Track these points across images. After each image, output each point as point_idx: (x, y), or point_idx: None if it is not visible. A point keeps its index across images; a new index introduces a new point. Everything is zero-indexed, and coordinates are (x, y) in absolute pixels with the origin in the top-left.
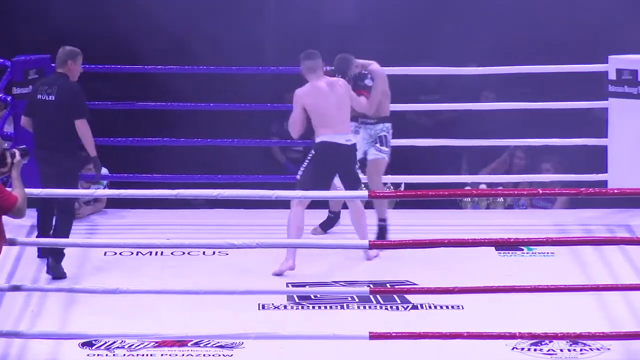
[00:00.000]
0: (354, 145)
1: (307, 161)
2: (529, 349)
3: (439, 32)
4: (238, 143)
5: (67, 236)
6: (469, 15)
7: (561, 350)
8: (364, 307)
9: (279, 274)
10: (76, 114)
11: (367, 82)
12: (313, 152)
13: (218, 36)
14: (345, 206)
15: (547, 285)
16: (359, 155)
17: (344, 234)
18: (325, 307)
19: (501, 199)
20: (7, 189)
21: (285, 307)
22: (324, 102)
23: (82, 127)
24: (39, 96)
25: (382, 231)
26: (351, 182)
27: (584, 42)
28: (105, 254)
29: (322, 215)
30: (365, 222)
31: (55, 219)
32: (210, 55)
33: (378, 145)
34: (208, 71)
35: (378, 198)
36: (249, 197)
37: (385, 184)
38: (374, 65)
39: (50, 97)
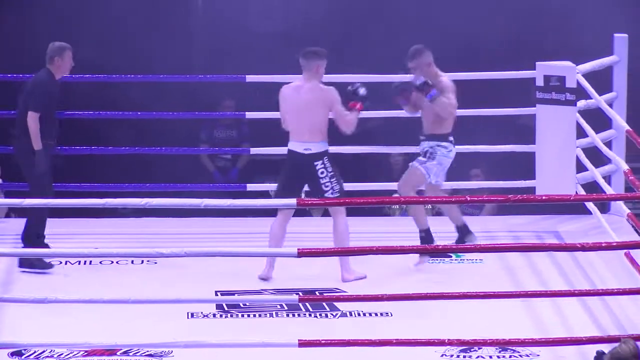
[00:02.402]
0: (314, 155)
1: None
2: (458, 356)
3: (367, 39)
4: (166, 151)
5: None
6: (398, 22)
7: (490, 357)
8: (293, 315)
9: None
10: (29, 105)
11: (361, 91)
12: None
13: (145, 44)
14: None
15: (476, 292)
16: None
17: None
18: (255, 316)
19: (429, 206)
20: None
21: (214, 315)
22: (286, 107)
23: (30, 119)
24: None
25: (462, 235)
26: (316, 194)
27: (512, 49)
28: None
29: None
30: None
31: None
32: (138, 64)
33: (420, 157)
34: (136, 80)
35: (305, 206)
36: (178, 205)
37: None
38: (444, 78)
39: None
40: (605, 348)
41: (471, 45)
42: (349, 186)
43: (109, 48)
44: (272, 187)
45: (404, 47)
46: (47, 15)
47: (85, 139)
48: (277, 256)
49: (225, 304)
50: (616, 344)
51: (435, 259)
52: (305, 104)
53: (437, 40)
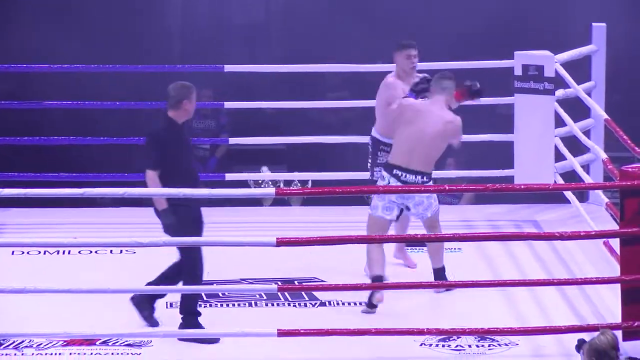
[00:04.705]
0: None
1: None
2: (437, 345)
3: (345, 29)
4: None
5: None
6: (379, 13)
7: (469, 346)
8: (272, 305)
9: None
10: (145, 163)
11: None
12: None
13: (123, 34)
14: None
15: (454, 281)
16: None
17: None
18: (234, 305)
19: None
20: None
21: None
22: None
23: (147, 179)
24: None
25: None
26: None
27: (490, 38)
28: (12, 253)
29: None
30: None
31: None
32: (115, 54)
33: None
34: (114, 69)
35: (285, 195)
36: (157, 195)
37: (292, 181)
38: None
39: None
40: (584, 337)
41: (449, 34)
42: (327, 175)
43: (86, 39)
44: (250, 176)
45: (384, 37)
46: (29, 9)
47: (65, 129)
48: (256, 245)
49: (204, 294)
50: (595, 334)
51: (413, 248)
52: None
53: (416, 31)
